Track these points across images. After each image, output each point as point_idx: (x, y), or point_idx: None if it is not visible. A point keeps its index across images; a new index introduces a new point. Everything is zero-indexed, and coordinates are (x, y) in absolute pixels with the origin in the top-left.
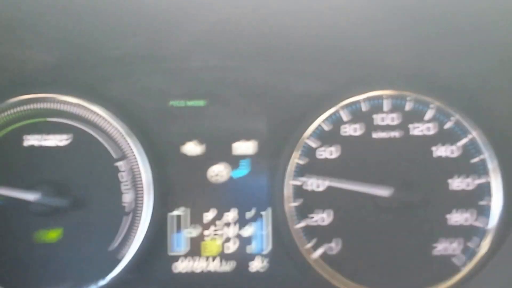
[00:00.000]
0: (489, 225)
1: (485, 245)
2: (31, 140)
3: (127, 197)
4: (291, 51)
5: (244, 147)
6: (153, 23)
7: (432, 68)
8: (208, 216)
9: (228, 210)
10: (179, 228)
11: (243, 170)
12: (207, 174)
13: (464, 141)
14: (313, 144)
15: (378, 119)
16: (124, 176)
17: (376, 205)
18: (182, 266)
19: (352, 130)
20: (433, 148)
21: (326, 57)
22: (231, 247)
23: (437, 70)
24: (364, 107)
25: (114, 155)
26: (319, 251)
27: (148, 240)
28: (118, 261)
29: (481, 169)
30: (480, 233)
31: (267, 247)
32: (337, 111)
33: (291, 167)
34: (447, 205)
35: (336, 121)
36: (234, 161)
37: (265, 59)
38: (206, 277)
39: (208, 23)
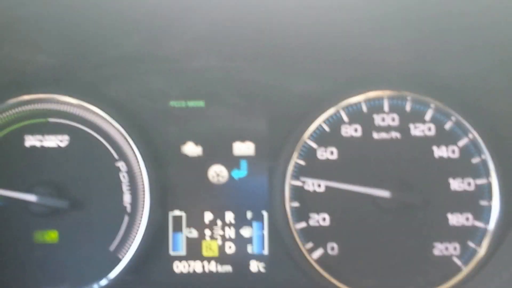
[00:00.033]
0: (490, 226)
1: (485, 245)
2: (32, 141)
3: (128, 197)
4: (291, 51)
5: (245, 148)
6: (153, 24)
7: (432, 68)
8: (209, 216)
9: (228, 211)
10: (179, 229)
11: (243, 170)
12: (207, 174)
13: (464, 141)
14: (313, 144)
15: (378, 119)
16: (124, 176)
17: (377, 206)
18: (182, 266)
19: (352, 130)
20: (434, 149)
21: (326, 57)
22: (231, 247)
23: (437, 70)
24: (364, 108)
25: (115, 156)
26: (320, 252)
27: (148, 241)
28: (118, 262)
29: (481, 170)
30: (481, 233)
31: (267, 248)
32: (337, 112)
33: (291, 168)
34: (447, 206)
35: (337, 121)
36: (234, 161)
37: (265, 59)
38: (206, 277)
39: (208, 23)
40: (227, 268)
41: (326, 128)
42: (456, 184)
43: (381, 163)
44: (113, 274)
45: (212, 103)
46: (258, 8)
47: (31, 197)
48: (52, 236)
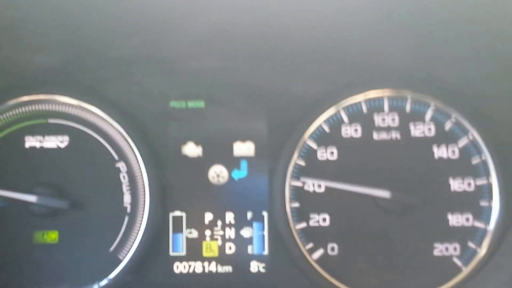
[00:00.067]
0: (490, 226)
1: (485, 246)
2: (32, 141)
3: (128, 198)
4: (291, 52)
5: (245, 148)
6: (153, 25)
7: (432, 69)
8: (209, 217)
9: (228, 211)
10: (179, 229)
11: (243, 171)
12: (207, 175)
13: (464, 141)
14: (313, 145)
15: (378, 119)
16: (125, 177)
17: (377, 207)
18: (182, 267)
19: (352, 131)
20: (434, 149)
21: (326, 58)
22: (232, 248)
23: (437, 70)
24: (364, 108)
25: (115, 156)
26: (320, 252)
27: (148, 241)
28: (118, 262)
29: (481, 170)
30: (481, 233)
31: (268, 248)
32: (337, 112)
33: (291, 168)
34: (447, 206)
35: (337, 122)
36: (234, 162)
37: (265, 60)
38: (206, 278)
39: (208, 24)
40: (227, 269)
41: (326, 129)
42: (456, 185)
43: (381, 163)
44: (113, 274)
45: (212, 104)
46: (258, 9)
47: (31, 198)
48: (52, 236)
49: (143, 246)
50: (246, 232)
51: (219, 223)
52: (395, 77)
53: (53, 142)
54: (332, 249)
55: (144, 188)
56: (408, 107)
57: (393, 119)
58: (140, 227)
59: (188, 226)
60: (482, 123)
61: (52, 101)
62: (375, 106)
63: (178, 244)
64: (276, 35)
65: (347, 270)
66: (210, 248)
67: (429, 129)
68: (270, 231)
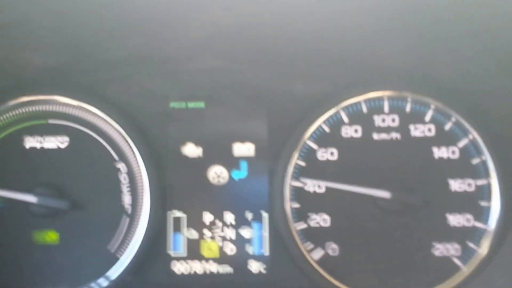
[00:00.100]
0: (490, 226)
1: (485, 246)
2: (32, 142)
3: (128, 198)
4: (291, 52)
5: (245, 149)
6: (153, 25)
7: (432, 69)
8: (209, 217)
9: (228, 211)
10: (179, 229)
11: (243, 171)
12: (207, 175)
13: (464, 142)
14: (313, 145)
15: (378, 120)
16: (124, 177)
17: (377, 207)
18: (182, 267)
19: (352, 131)
20: (434, 149)
21: (326, 58)
22: (232, 248)
23: (437, 71)
24: (364, 108)
25: (115, 157)
26: (320, 252)
27: (148, 241)
28: (118, 262)
29: (481, 170)
30: (481, 234)
31: (268, 249)
32: (337, 112)
33: (291, 169)
34: (448, 206)
35: (337, 122)
36: (234, 162)
37: (265, 60)
38: (206, 278)
39: (208, 25)
40: (227, 269)
41: (326, 129)
42: (456, 185)
43: (381, 163)
44: (113, 274)
45: (212, 104)
46: (258, 9)
47: (31, 198)
48: (52, 237)
49: (143, 247)
50: (246, 233)
51: (219, 223)
52: (395, 78)
53: (53, 142)
54: (333, 249)
55: (143, 188)
56: (408, 108)
57: (393, 120)
58: (140, 227)
59: (188, 227)
60: (482, 123)
61: (52, 102)
62: (375, 106)
63: (178, 245)
64: (276, 35)
65: (347, 270)
66: (210, 248)
67: (429, 129)
68: (271, 232)
